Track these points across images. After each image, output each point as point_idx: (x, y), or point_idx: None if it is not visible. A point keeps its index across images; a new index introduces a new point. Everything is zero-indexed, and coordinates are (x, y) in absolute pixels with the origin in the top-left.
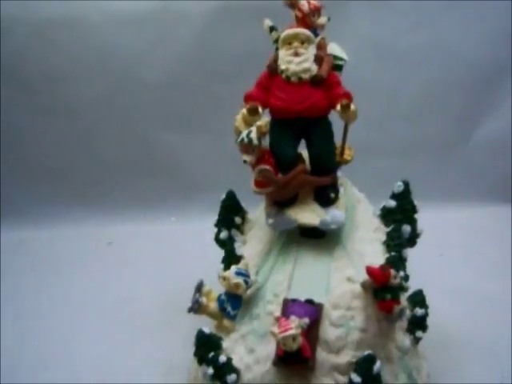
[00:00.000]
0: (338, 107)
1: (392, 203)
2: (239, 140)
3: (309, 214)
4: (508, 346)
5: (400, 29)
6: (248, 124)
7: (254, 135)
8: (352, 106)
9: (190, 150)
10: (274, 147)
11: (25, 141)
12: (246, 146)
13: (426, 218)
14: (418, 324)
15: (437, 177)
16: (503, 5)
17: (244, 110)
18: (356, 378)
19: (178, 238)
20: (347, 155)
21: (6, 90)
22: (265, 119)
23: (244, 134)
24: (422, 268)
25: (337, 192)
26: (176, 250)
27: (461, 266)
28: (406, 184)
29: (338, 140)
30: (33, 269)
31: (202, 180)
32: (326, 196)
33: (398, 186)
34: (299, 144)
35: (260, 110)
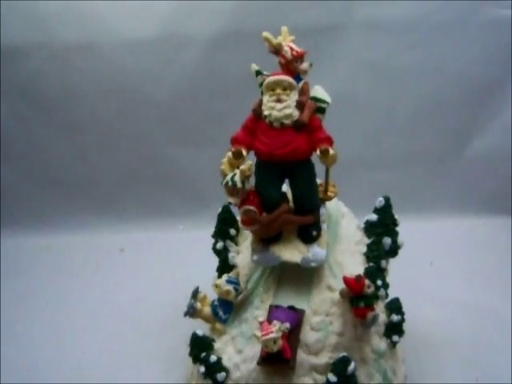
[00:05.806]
0: (318, 152)
1: (374, 217)
2: (224, 183)
3: (292, 251)
4: (487, 352)
5: (394, 49)
6: (233, 166)
7: (237, 178)
8: (331, 151)
9: (197, 163)
10: (259, 188)
11: (43, 154)
12: (231, 189)
13: (422, 228)
14: (394, 329)
15: (432, 189)
16: (494, 25)
17: (229, 153)
18: (332, 377)
19: (184, 245)
20: (331, 192)
21: (27, 108)
22: (248, 163)
23: (228, 177)
24: (413, 276)
25: (319, 230)
26: (182, 256)
27: (451, 276)
28: (387, 199)
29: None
30: (48, 273)
31: (207, 191)
32: (308, 234)
33: (380, 201)
34: (283, 184)
35: (244, 153)
